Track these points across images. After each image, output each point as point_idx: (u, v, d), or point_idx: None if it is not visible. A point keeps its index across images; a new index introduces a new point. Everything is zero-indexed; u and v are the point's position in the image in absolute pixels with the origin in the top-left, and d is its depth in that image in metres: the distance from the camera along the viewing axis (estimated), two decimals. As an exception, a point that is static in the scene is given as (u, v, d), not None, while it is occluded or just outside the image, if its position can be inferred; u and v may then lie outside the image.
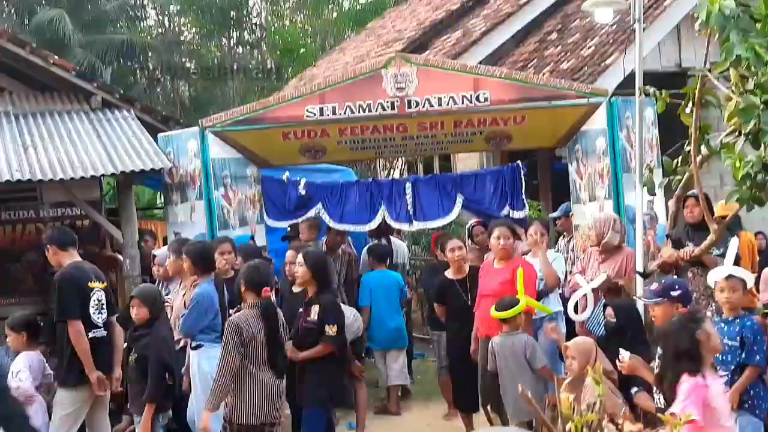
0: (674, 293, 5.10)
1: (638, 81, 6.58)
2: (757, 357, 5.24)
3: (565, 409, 2.13)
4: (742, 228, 7.53)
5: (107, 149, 8.59)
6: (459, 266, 7.20)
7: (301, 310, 6.32)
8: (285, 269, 7.47)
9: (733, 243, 5.81)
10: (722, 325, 5.37)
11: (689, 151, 5.70)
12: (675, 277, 6.37)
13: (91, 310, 6.19)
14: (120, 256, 9.10)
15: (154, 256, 7.80)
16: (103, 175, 8.26)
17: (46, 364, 6.39)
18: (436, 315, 7.68)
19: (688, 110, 5.56)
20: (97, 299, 6.23)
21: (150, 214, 15.78)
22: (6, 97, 9.67)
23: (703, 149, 5.66)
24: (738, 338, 5.28)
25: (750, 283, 5.53)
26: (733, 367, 5.28)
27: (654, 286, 5.51)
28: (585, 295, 6.67)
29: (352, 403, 6.51)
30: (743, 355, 5.25)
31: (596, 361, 5.33)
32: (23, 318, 6.47)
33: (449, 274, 7.27)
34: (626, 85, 8.75)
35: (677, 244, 6.74)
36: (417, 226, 9.07)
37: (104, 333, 6.24)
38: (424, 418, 8.07)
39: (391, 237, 9.74)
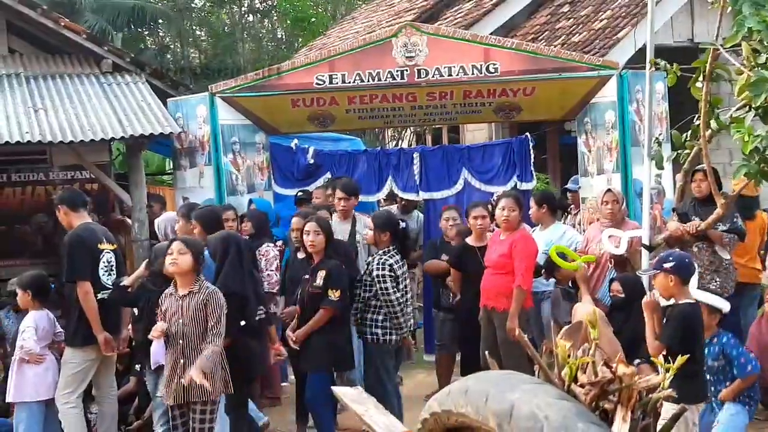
0: (667, 265, 5.09)
1: (649, 53, 6.56)
2: (749, 367, 5.44)
3: (562, 354, 2.17)
4: (759, 207, 7.55)
5: (117, 113, 8.59)
6: (480, 234, 7.18)
7: (306, 276, 6.40)
8: (291, 235, 7.49)
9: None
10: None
11: (698, 124, 5.70)
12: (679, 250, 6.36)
13: (101, 272, 6.25)
14: (129, 220, 9.14)
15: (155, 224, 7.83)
16: (112, 138, 8.27)
17: (57, 323, 6.44)
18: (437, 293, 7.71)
19: (698, 84, 5.55)
20: (107, 261, 6.29)
21: (159, 180, 15.81)
22: (17, 59, 9.65)
23: (713, 123, 5.66)
24: (720, 356, 5.44)
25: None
26: (727, 384, 5.49)
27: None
28: (612, 235, 6.69)
29: (353, 366, 6.58)
30: (735, 372, 5.42)
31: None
32: (32, 277, 6.49)
33: (470, 240, 7.26)
34: (637, 60, 8.72)
35: (684, 218, 6.75)
36: (424, 196, 9.09)
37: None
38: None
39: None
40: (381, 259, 6.45)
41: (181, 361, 5.36)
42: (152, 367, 5.55)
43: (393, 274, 6.41)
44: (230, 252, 6.05)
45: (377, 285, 6.40)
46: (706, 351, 5.42)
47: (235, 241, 6.22)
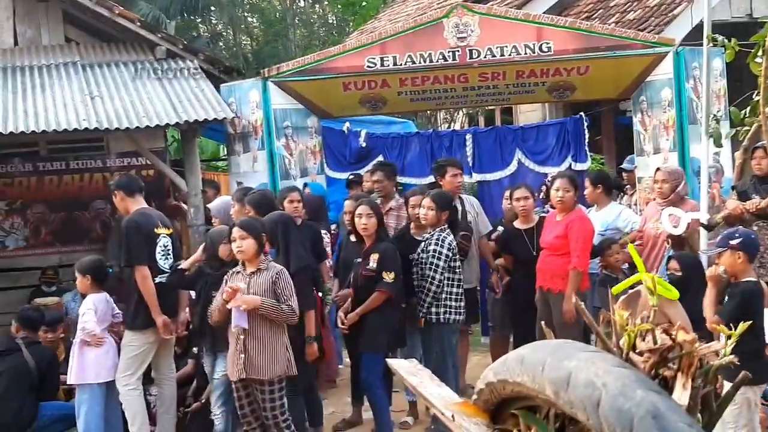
0: (733, 241, 5.00)
1: (706, 29, 6.41)
2: None
3: (620, 322, 2.13)
4: None
5: (171, 99, 8.68)
6: (526, 215, 7.13)
7: (359, 259, 6.42)
8: (344, 218, 7.51)
9: None
10: None
11: (758, 100, 5.57)
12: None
13: (158, 256, 6.33)
14: (184, 205, 9.25)
15: (208, 209, 7.91)
16: (167, 124, 8.36)
17: (115, 307, 6.55)
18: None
19: (757, 59, 5.42)
20: (164, 245, 6.37)
21: (213, 166, 15.99)
22: (73, 48, 9.81)
23: (773, 99, 5.51)
24: None
25: None
26: None
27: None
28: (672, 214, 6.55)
29: (405, 343, 6.62)
30: None
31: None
32: (91, 262, 6.60)
33: (517, 223, 7.22)
34: (693, 37, 8.54)
35: (743, 196, 6.61)
36: (477, 178, 9.04)
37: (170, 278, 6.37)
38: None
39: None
40: (440, 236, 6.43)
41: (243, 337, 5.42)
42: (233, 330, 5.53)
43: (450, 253, 6.38)
44: (289, 230, 6.13)
45: (430, 259, 6.37)
46: None
47: (289, 218, 6.32)
